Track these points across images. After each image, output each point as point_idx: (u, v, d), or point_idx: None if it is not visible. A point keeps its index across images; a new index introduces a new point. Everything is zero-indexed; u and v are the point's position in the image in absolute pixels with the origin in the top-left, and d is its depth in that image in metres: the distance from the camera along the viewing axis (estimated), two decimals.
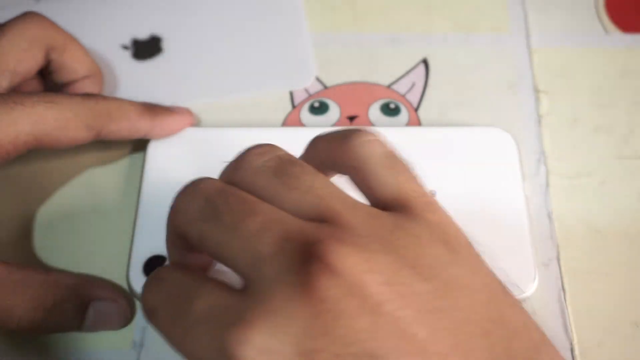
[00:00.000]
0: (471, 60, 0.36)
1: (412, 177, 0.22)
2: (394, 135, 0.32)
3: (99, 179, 0.32)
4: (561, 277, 0.29)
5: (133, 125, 0.30)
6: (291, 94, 0.35)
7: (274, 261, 0.19)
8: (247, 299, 0.18)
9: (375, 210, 0.21)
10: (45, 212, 0.31)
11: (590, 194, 0.32)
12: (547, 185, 0.32)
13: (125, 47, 0.36)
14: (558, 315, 0.28)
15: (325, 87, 0.35)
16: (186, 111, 0.33)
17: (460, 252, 0.20)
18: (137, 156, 0.33)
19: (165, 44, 0.37)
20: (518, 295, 0.28)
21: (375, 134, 0.23)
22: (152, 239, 0.29)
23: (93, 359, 0.28)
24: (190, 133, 0.32)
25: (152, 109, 0.31)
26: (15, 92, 0.27)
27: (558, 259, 0.30)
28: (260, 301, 0.18)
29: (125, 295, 0.28)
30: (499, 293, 0.20)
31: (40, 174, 0.32)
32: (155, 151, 0.32)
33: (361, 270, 0.18)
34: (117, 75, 0.35)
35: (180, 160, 0.31)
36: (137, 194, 0.31)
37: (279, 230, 0.19)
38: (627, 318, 0.28)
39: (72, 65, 0.31)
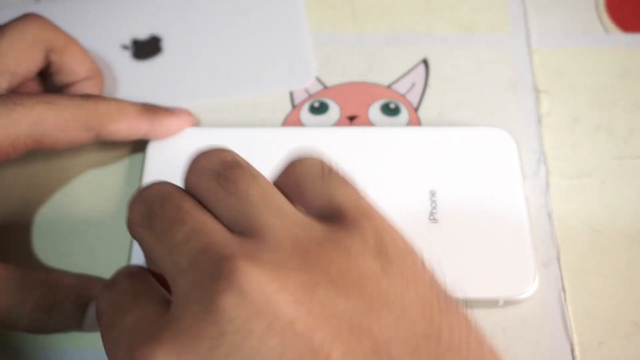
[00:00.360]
0: (471, 60, 0.36)
1: (347, 185, 0.21)
2: (394, 136, 0.32)
3: (99, 180, 0.32)
4: (561, 277, 0.29)
5: (132, 126, 0.30)
6: (291, 94, 0.35)
7: (188, 275, 0.19)
8: (166, 315, 0.19)
9: (308, 222, 0.20)
10: (45, 213, 0.31)
11: (590, 194, 0.32)
12: (547, 185, 0.32)
13: (125, 47, 0.36)
14: (558, 315, 0.28)
15: (325, 87, 0.35)
16: (186, 112, 0.33)
17: (394, 261, 0.19)
18: (137, 156, 0.33)
19: (165, 44, 0.37)
20: (518, 295, 0.28)
21: (318, 156, 0.22)
22: None
23: (93, 359, 0.28)
24: (190, 133, 0.32)
25: (152, 110, 0.31)
26: (15, 93, 0.27)
27: (558, 259, 0.30)
28: (173, 318, 0.18)
29: None
30: (436, 305, 0.19)
31: (39, 174, 0.32)
32: (155, 151, 0.32)
33: (270, 290, 0.18)
34: (117, 75, 0.35)
35: (180, 160, 0.31)
36: None
37: (199, 242, 0.19)
38: (628, 318, 0.28)
39: (72, 67, 0.31)
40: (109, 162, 0.33)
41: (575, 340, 0.28)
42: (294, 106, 0.35)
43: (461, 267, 0.28)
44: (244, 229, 0.20)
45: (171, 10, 0.38)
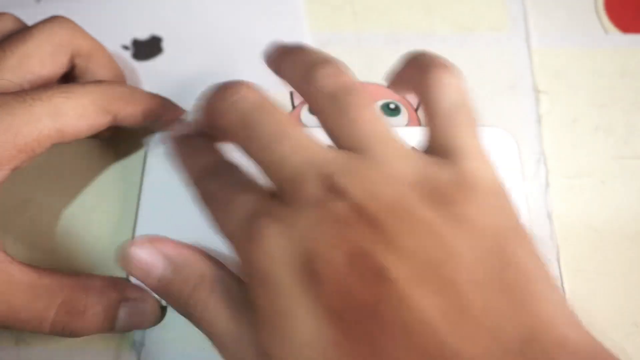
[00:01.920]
0: (471, 60, 0.36)
1: (473, 132, 0.24)
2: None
3: (100, 180, 0.32)
4: (561, 277, 0.29)
5: (146, 109, 0.30)
6: (291, 94, 0.35)
7: (296, 183, 0.22)
8: (275, 203, 0.22)
9: (408, 151, 0.23)
10: (46, 213, 0.31)
11: (590, 194, 0.32)
12: (547, 185, 0.32)
13: (125, 47, 0.36)
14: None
15: None
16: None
17: (480, 193, 0.22)
18: (138, 157, 0.33)
19: (165, 44, 0.37)
20: None
21: (458, 80, 0.24)
22: None
23: (93, 359, 0.28)
24: None
25: (161, 97, 0.31)
26: (31, 89, 0.27)
27: (558, 259, 0.30)
28: (286, 209, 0.22)
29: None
30: (509, 232, 0.21)
31: (40, 175, 0.32)
32: (156, 152, 0.32)
33: (364, 197, 0.21)
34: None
35: None
36: (137, 194, 0.31)
37: (304, 155, 0.22)
38: (628, 318, 0.28)
39: (96, 72, 0.31)
40: (109, 162, 0.33)
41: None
42: (294, 106, 0.35)
43: None
44: (347, 147, 0.23)
45: (171, 11, 0.38)
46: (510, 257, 0.21)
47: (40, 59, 0.28)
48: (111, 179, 0.32)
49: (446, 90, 0.24)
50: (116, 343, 0.28)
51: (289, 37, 0.37)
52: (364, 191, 0.21)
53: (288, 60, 0.26)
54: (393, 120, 0.34)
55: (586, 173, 0.32)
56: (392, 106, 0.35)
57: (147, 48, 0.36)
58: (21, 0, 0.37)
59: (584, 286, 0.29)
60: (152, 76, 0.36)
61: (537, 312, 0.20)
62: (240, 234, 0.23)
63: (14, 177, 0.26)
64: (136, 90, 0.30)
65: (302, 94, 0.25)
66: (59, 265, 0.30)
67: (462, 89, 0.24)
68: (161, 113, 0.31)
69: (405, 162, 0.22)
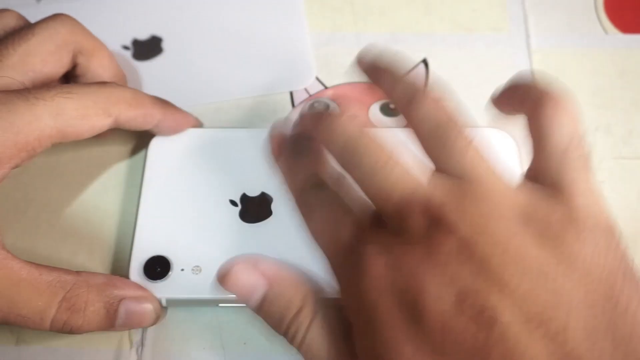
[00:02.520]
0: (471, 60, 0.36)
1: (586, 168, 0.23)
2: (396, 137, 0.32)
3: (100, 180, 0.32)
4: None
5: (147, 113, 0.30)
6: (291, 94, 0.35)
7: (402, 213, 0.22)
8: (383, 231, 0.22)
9: (516, 184, 0.22)
10: (47, 213, 0.31)
11: None
12: None
13: (125, 48, 0.37)
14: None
15: (325, 87, 0.35)
16: (191, 114, 0.33)
17: (590, 232, 0.21)
18: (138, 157, 0.33)
19: (165, 45, 0.37)
20: None
21: (576, 119, 0.23)
22: (153, 240, 0.29)
23: (93, 359, 0.28)
24: (190, 134, 0.32)
25: (163, 101, 0.31)
26: (34, 88, 0.27)
27: None
28: (394, 240, 0.22)
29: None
30: (620, 276, 0.21)
31: (41, 173, 0.32)
32: (156, 152, 0.32)
33: (473, 231, 0.21)
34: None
35: (181, 161, 0.31)
36: (137, 194, 0.31)
37: (410, 186, 0.22)
38: None
39: (97, 71, 0.31)
40: (110, 163, 0.33)
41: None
42: (294, 106, 0.35)
43: None
44: (452, 175, 0.22)
45: (172, 11, 0.38)
46: (625, 305, 0.20)
47: (42, 56, 0.29)
48: (112, 178, 0.32)
49: (564, 124, 0.23)
50: (116, 343, 0.28)
51: (289, 37, 0.37)
52: (473, 226, 0.21)
53: (387, 74, 0.26)
54: (393, 120, 0.34)
55: None
56: (392, 106, 0.35)
57: (147, 48, 0.37)
58: (22, 0, 0.37)
59: None
60: (152, 76, 0.36)
61: None
62: (344, 258, 0.23)
63: (15, 175, 0.26)
64: (139, 94, 0.30)
65: (406, 117, 0.24)
66: (60, 263, 0.30)
67: (580, 123, 0.23)
68: (162, 118, 0.31)
69: (515, 195, 0.22)
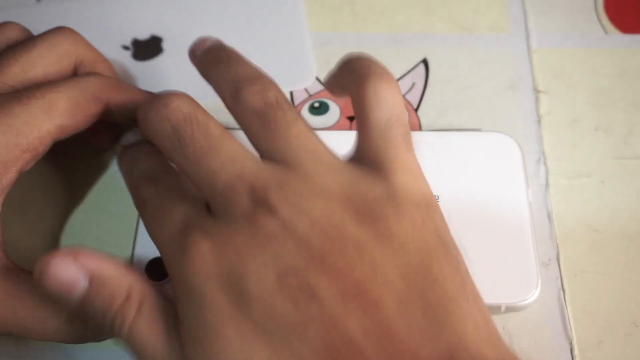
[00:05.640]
0: (471, 60, 0.36)
1: (407, 146, 0.24)
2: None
3: (102, 181, 0.32)
4: (561, 277, 0.29)
5: (137, 99, 0.30)
6: (291, 94, 0.35)
7: (225, 197, 0.22)
8: (208, 216, 0.23)
9: (338, 164, 0.23)
10: (47, 213, 0.31)
11: (590, 194, 0.32)
12: (547, 185, 0.32)
13: (125, 48, 0.36)
14: (558, 315, 0.28)
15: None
16: None
17: (407, 209, 0.22)
18: None
19: (165, 44, 0.37)
20: (520, 302, 0.28)
21: (395, 90, 0.24)
22: None
23: (94, 359, 0.28)
24: None
25: (153, 94, 0.31)
26: (23, 88, 0.27)
27: (558, 259, 0.30)
28: (217, 224, 0.22)
29: None
30: (433, 247, 0.22)
31: (41, 175, 0.32)
32: None
33: (293, 212, 0.21)
34: (118, 75, 0.35)
35: None
36: None
37: (234, 169, 0.22)
38: (627, 318, 0.28)
39: None
40: (112, 163, 0.33)
41: (575, 339, 0.28)
42: (294, 106, 0.35)
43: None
44: (277, 161, 0.23)
45: (172, 11, 0.38)
46: (435, 275, 0.21)
47: (43, 68, 0.28)
48: (113, 178, 0.32)
49: (382, 102, 0.24)
50: (116, 343, 0.28)
51: (289, 37, 0.37)
52: (294, 206, 0.22)
53: (217, 71, 0.26)
54: None
55: (586, 173, 0.32)
56: None
57: (147, 48, 0.36)
58: (21, 0, 0.37)
59: (584, 286, 0.29)
60: (152, 76, 0.36)
61: (457, 331, 0.20)
62: (171, 246, 0.23)
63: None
64: (125, 82, 0.30)
65: (231, 112, 0.25)
66: None
67: (399, 100, 0.24)
68: None
69: (335, 175, 0.23)
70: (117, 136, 0.32)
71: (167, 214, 0.23)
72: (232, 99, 0.25)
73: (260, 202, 0.22)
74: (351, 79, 0.25)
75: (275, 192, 0.22)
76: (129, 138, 0.28)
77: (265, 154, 0.24)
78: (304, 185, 0.22)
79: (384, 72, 0.25)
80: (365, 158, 0.24)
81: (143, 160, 0.26)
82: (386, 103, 0.24)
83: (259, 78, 0.25)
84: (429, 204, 0.23)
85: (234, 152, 0.23)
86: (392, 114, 0.24)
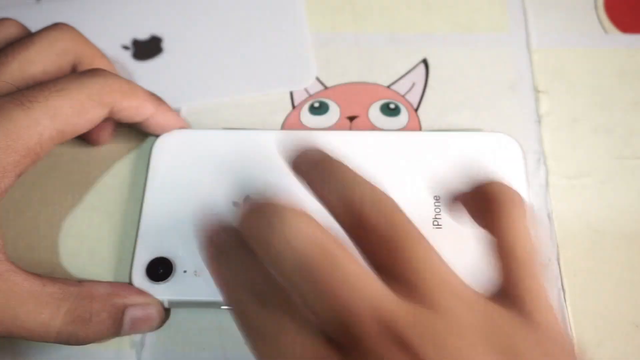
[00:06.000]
0: (471, 60, 0.36)
1: (543, 282, 0.22)
2: (399, 140, 0.32)
3: (103, 181, 0.32)
4: (561, 277, 0.29)
5: (140, 105, 0.30)
6: (291, 94, 0.35)
7: (355, 329, 0.19)
8: (335, 351, 0.19)
9: (487, 306, 0.21)
10: (47, 213, 0.31)
11: (590, 194, 0.32)
12: (547, 185, 0.32)
13: (125, 48, 0.36)
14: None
15: (325, 87, 0.35)
16: (179, 116, 0.33)
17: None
18: (142, 157, 0.33)
19: (165, 44, 0.37)
20: None
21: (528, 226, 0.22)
22: (156, 242, 0.29)
23: (93, 359, 0.28)
24: (192, 135, 0.32)
25: (157, 97, 0.31)
26: (26, 89, 0.27)
27: (558, 259, 0.30)
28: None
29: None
30: None
31: (41, 175, 0.32)
32: (161, 152, 0.32)
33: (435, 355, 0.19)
34: (117, 72, 0.35)
35: (183, 162, 0.31)
36: (140, 195, 0.31)
37: (367, 302, 0.19)
38: (626, 318, 0.28)
39: None
40: (113, 164, 0.33)
41: (575, 340, 0.28)
42: (294, 106, 0.35)
43: (464, 274, 0.28)
44: (408, 293, 0.20)
45: (172, 11, 0.38)
46: None
47: (42, 65, 0.28)
48: (114, 178, 0.32)
49: (521, 235, 0.22)
50: (116, 343, 0.28)
51: (289, 37, 0.37)
52: (437, 347, 0.19)
53: (326, 182, 0.23)
54: (393, 120, 0.34)
55: (586, 173, 0.32)
56: (392, 106, 0.35)
57: (147, 48, 0.36)
58: (21, 0, 0.37)
59: (584, 286, 0.29)
60: (152, 76, 0.36)
61: None
62: None
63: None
64: (133, 84, 0.30)
65: (346, 230, 0.22)
66: (61, 264, 0.30)
67: (534, 231, 0.23)
68: (154, 112, 0.31)
69: (474, 313, 0.20)
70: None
71: (283, 343, 0.20)
72: (347, 213, 0.22)
73: (397, 342, 0.19)
74: (484, 203, 0.23)
75: (414, 335, 0.19)
76: (209, 224, 0.23)
77: (389, 276, 0.20)
78: (441, 326, 0.19)
79: (519, 197, 0.23)
80: (505, 292, 0.22)
81: (245, 268, 0.22)
82: (525, 235, 0.22)
83: (380, 197, 0.22)
84: (568, 345, 0.21)
85: (367, 279, 0.20)
86: (531, 247, 0.22)
